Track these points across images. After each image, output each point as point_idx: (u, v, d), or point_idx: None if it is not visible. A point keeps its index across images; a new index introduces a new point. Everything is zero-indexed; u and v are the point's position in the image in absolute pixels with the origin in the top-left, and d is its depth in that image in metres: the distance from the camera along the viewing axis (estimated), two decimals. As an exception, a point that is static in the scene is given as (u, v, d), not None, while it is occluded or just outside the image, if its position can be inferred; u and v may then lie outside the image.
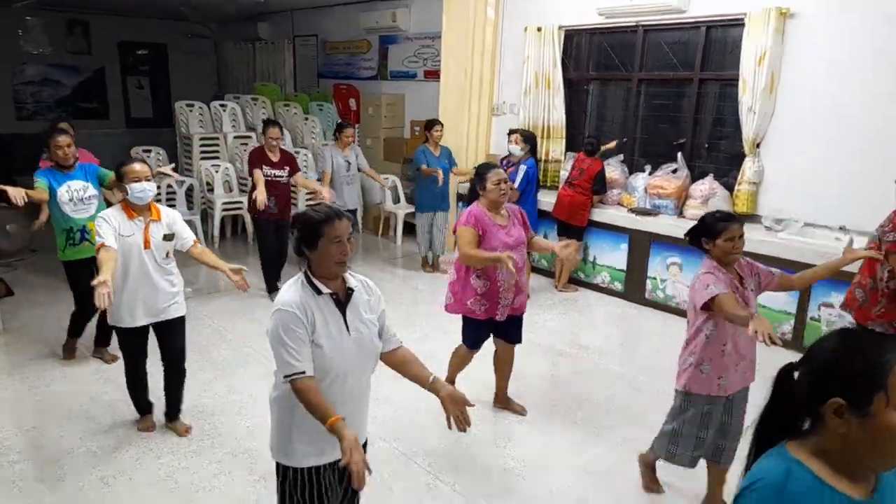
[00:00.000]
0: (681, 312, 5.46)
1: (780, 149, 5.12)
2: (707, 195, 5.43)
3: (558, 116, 6.54)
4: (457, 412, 2.01)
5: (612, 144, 6.07)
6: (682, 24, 5.70)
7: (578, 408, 3.88)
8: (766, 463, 1.14)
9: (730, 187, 5.43)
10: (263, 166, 5.28)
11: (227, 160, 7.76)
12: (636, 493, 3.07)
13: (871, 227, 4.49)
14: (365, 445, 2.13)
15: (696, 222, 2.78)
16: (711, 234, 2.63)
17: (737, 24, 5.21)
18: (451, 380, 3.72)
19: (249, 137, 7.95)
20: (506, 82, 7.08)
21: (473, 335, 3.58)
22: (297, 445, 2.00)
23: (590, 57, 6.57)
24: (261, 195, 5.09)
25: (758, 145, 5.21)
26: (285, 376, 1.86)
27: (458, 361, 3.73)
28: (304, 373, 1.85)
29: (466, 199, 3.66)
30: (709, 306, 2.54)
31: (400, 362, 2.14)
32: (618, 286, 5.94)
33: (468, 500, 2.98)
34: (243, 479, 3.07)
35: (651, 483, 3.09)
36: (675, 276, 5.51)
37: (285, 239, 5.47)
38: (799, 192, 5.00)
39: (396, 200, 7.84)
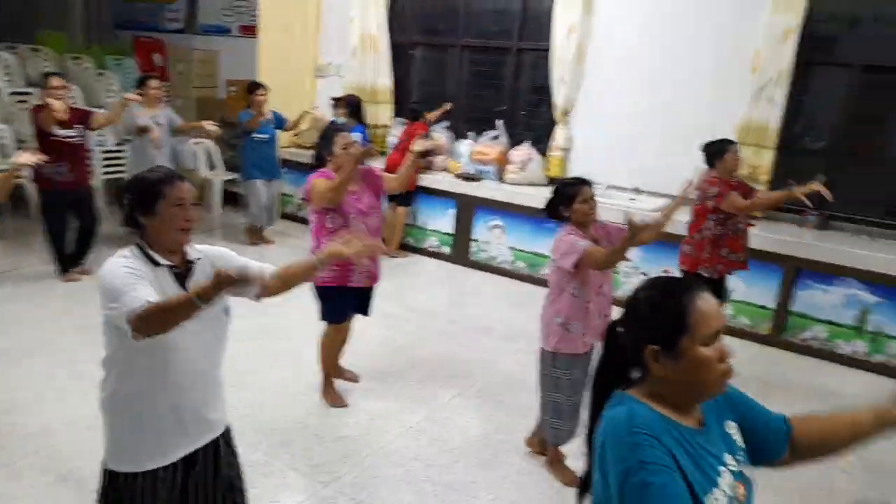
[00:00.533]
0: (503, 272, 5.78)
1: (587, 117, 5.56)
2: (524, 161, 5.74)
3: (385, 81, 6.47)
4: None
5: (444, 109, 6.08)
6: (501, -7, 5.90)
7: (411, 368, 3.95)
8: (611, 411, 1.21)
9: (545, 153, 5.79)
10: (52, 126, 4.55)
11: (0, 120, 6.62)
12: (469, 446, 3.20)
13: (662, 189, 5.13)
14: (227, 433, 1.95)
15: (549, 194, 2.86)
16: (567, 200, 2.74)
17: (551, -5, 5.49)
18: (331, 373, 3.51)
19: (30, 94, 6.85)
20: (330, 43, 6.84)
21: (332, 306, 3.30)
22: (135, 447, 1.76)
23: (416, 21, 6.56)
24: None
25: (567, 113, 5.60)
26: (131, 318, 1.52)
27: (330, 345, 3.43)
28: (148, 301, 1.54)
29: (311, 166, 3.42)
30: (578, 264, 2.63)
31: (283, 281, 1.91)
32: (446, 250, 6.11)
33: (302, 475, 2.90)
34: (38, 482, 2.70)
35: (564, 474, 2.97)
36: (499, 239, 5.79)
37: (91, 211, 4.82)
38: (602, 157, 5.47)
39: (212, 167, 7.29)
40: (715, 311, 1.18)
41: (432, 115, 6.00)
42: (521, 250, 5.68)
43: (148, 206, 1.70)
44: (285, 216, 6.91)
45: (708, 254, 3.85)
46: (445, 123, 6.29)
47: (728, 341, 1.21)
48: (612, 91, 5.40)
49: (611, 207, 5.01)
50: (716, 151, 3.82)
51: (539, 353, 2.94)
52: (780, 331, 4.57)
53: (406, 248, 6.25)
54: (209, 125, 5.51)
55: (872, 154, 4.79)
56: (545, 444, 3.04)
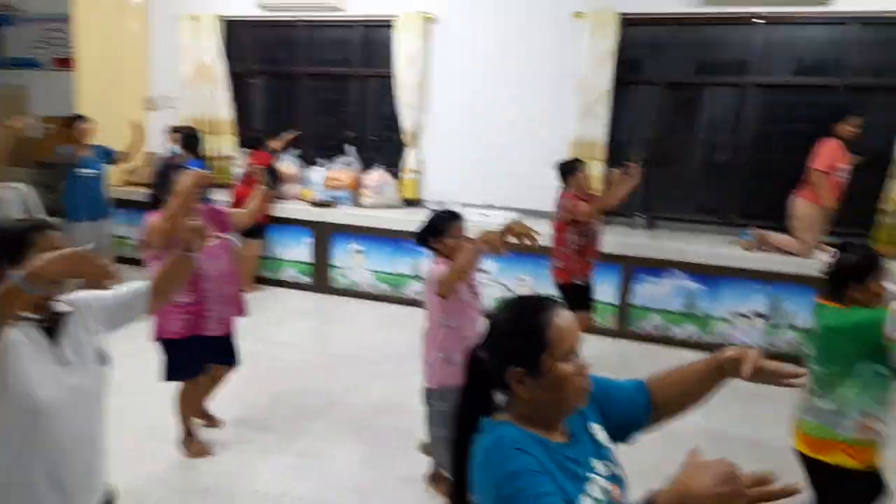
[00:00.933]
0: (367, 296, 5.76)
1: (435, 139, 5.76)
2: (378, 185, 5.80)
3: (224, 111, 6.24)
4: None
5: (289, 137, 5.96)
6: (341, 22, 5.96)
7: (278, 405, 3.79)
8: (480, 441, 1.21)
9: (398, 176, 5.89)
10: None
11: None
12: (345, 477, 3.13)
13: (513, 203, 5.42)
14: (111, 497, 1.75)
15: (424, 222, 2.83)
16: (438, 233, 2.75)
17: (389, 24, 5.64)
18: (191, 422, 3.21)
19: None
20: (161, 74, 6.47)
21: (179, 362, 3.01)
22: None
23: (255, 50, 6.42)
24: None
25: (416, 137, 5.76)
26: None
27: (189, 394, 3.16)
28: None
29: (148, 205, 3.08)
30: (442, 291, 2.59)
31: (161, 283, 1.83)
32: (306, 279, 5.96)
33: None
34: None
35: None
36: (359, 262, 5.77)
37: None
38: (454, 177, 5.68)
39: (28, 212, 6.51)
40: (571, 326, 1.21)
41: (277, 144, 5.86)
42: (383, 272, 5.70)
43: (14, 258, 1.51)
44: (121, 259, 6.35)
45: (577, 263, 4.11)
46: (295, 151, 6.18)
47: (585, 338, 1.28)
48: (456, 113, 5.64)
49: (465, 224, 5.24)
50: (569, 170, 4.12)
51: (424, 392, 2.89)
52: (624, 323, 5.00)
53: (262, 281, 6.02)
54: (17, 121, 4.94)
55: (682, 160, 5.43)
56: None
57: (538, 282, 5.18)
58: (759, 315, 4.66)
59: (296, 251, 5.95)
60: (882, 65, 4.69)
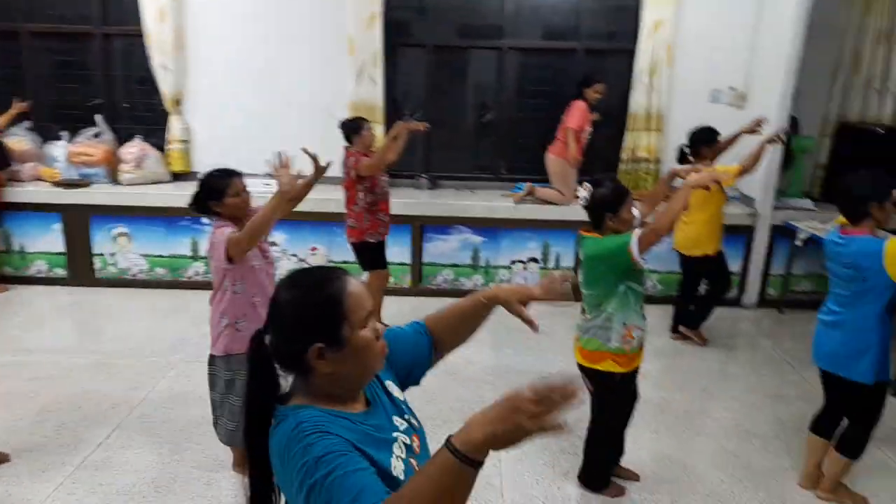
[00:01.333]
0: (140, 283, 5.18)
1: (204, 105, 5.28)
2: (139, 157, 5.16)
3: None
4: None
5: (17, 110, 4.98)
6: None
7: (46, 419, 3.27)
8: (276, 431, 1.14)
9: (161, 147, 5.31)
10: None
11: None
12: (141, 478, 2.83)
13: (297, 170, 5.21)
14: None
15: (195, 188, 2.63)
16: (217, 194, 2.57)
17: (132, -25, 4.97)
18: None
19: None
20: None
21: None
22: None
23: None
24: None
25: (179, 103, 5.22)
26: None
27: None
28: None
29: None
30: (232, 257, 2.48)
31: None
32: (61, 272, 5.16)
33: None
34: None
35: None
36: (126, 247, 5.14)
37: None
38: (229, 145, 5.27)
39: None
40: (363, 291, 1.20)
41: (2, 120, 4.91)
42: (157, 256, 5.16)
43: None
44: None
45: (368, 221, 4.14)
46: (26, 125, 5.22)
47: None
48: (223, 76, 5.22)
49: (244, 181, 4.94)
50: (353, 128, 4.11)
51: (209, 358, 2.74)
52: (418, 280, 5.19)
53: (4, 280, 5.07)
54: None
55: (456, 121, 5.70)
56: None
57: (331, 250, 5.13)
58: (534, 260, 5.17)
59: (44, 241, 5.10)
60: (614, 30, 5.37)
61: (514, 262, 5.18)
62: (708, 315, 4.44)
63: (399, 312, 4.84)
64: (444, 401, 3.55)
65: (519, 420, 0.90)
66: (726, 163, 4.24)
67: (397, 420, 1.25)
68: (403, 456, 1.19)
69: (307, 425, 1.09)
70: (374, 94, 5.15)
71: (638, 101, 5.15)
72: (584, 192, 2.56)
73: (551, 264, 5.17)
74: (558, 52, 5.41)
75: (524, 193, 5.08)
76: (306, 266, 1.31)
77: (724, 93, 5.20)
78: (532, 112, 5.50)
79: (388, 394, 1.31)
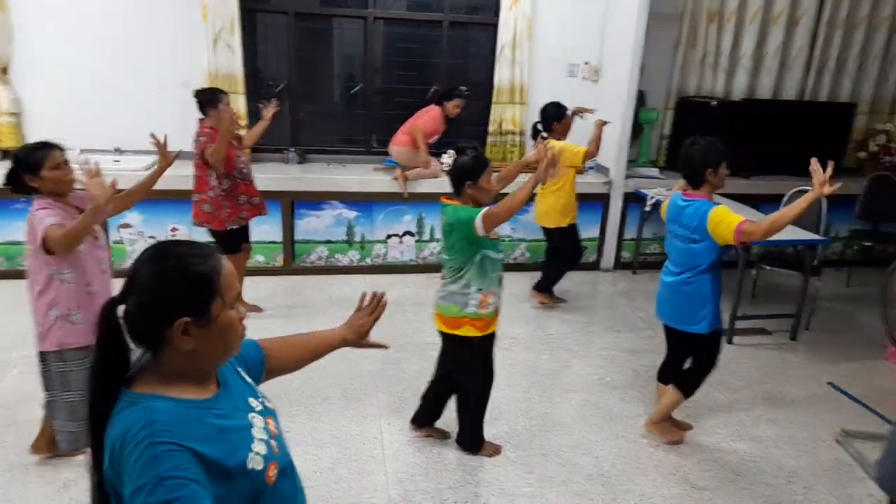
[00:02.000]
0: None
1: (36, 74, 4.73)
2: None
3: None
4: None
5: None
6: None
7: None
8: (121, 417, 1.08)
9: (-14, 122, 4.69)
10: None
11: None
12: None
13: (144, 145, 4.84)
14: None
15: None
16: (33, 168, 2.36)
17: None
18: None
19: None
20: None
21: None
22: None
23: None
24: None
25: (5, 71, 4.63)
26: None
27: None
28: None
29: None
30: (49, 247, 2.29)
31: None
32: None
33: None
34: None
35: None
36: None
37: None
38: (69, 119, 4.77)
39: None
40: (234, 273, 1.20)
41: None
42: (-12, 245, 4.60)
43: None
44: None
45: (228, 209, 3.89)
46: None
47: (249, 281, 1.28)
48: (61, 45, 4.70)
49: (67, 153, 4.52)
50: (209, 100, 3.79)
51: (39, 356, 2.52)
52: (291, 259, 5.06)
53: None
54: None
55: (323, 92, 5.55)
56: (54, 444, 2.69)
57: (193, 230, 4.84)
58: (409, 233, 5.21)
59: None
60: (477, 4, 5.45)
61: (389, 237, 5.19)
62: (557, 278, 4.69)
63: (273, 293, 4.71)
64: (324, 378, 3.53)
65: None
66: (581, 140, 4.48)
67: (253, 402, 1.27)
68: (265, 437, 1.21)
69: (161, 426, 1.05)
70: (233, 63, 4.87)
71: (502, 74, 5.30)
72: (447, 158, 2.62)
73: (426, 237, 5.24)
74: (425, 24, 5.40)
75: (397, 179, 5.01)
76: (178, 240, 1.25)
77: (579, 67, 5.50)
78: (401, 83, 5.48)
79: (243, 378, 1.32)
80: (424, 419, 3.06)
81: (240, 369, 1.34)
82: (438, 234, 5.23)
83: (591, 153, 4.23)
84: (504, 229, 4.96)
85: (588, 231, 5.41)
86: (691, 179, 2.84)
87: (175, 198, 4.43)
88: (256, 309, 4.32)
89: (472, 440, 2.98)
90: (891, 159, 5.66)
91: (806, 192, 4.87)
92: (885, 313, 2.87)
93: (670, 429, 3.17)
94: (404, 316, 4.42)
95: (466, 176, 2.59)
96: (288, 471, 1.28)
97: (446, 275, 2.73)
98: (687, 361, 3.09)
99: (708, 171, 2.76)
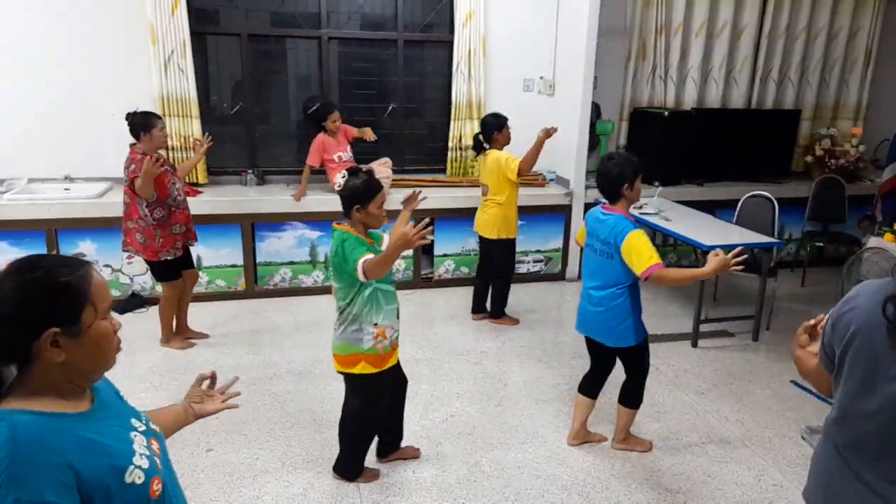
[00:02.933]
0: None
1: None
2: None
3: None
4: None
5: None
6: None
7: None
8: None
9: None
10: None
11: None
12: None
13: (95, 172, 4.72)
14: None
15: None
16: None
17: None
18: None
19: None
20: None
21: None
22: None
23: None
24: None
25: (-56, 100, 4.45)
26: None
27: None
28: None
29: None
30: None
31: None
32: None
33: None
34: None
35: None
36: None
37: None
38: (17, 145, 4.62)
39: None
40: (106, 284, 1.18)
41: None
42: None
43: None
44: None
45: (161, 238, 3.75)
46: None
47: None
48: (3, 75, 4.55)
49: (41, 202, 4.36)
50: (142, 124, 3.66)
51: None
52: (254, 282, 4.95)
53: None
54: None
55: (279, 112, 5.49)
56: None
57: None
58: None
59: None
60: (432, 22, 5.50)
61: (352, 255, 5.13)
62: (506, 298, 4.61)
63: (237, 317, 4.61)
64: (293, 402, 3.45)
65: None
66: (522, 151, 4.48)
67: (135, 422, 1.25)
68: (147, 454, 1.19)
69: (22, 441, 1.01)
70: (185, 87, 4.78)
71: (459, 90, 5.35)
72: (340, 178, 2.54)
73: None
74: (380, 43, 5.42)
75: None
76: (44, 253, 1.22)
77: (535, 82, 5.59)
78: (358, 102, 5.47)
79: (121, 397, 1.31)
80: (385, 450, 2.99)
81: (120, 391, 1.32)
82: (404, 252, 5.19)
83: (528, 161, 4.19)
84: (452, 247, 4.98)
85: (552, 242, 5.46)
86: (608, 194, 2.82)
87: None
88: (203, 336, 4.24)
89: (352, 467, 2.83)
90: (836, 162, 5.90)
91: (758, 197, 5.02)
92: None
93: (637, 440, 3.18)
94: (303, 340, 4.36)
95: (356, 199, 2.49)
96: (174, 494, 1.26)
97: (337, 306, 2.59)
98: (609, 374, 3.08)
99: (624, 186, 2.76)
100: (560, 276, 5.59)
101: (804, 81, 6.20)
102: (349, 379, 2.69)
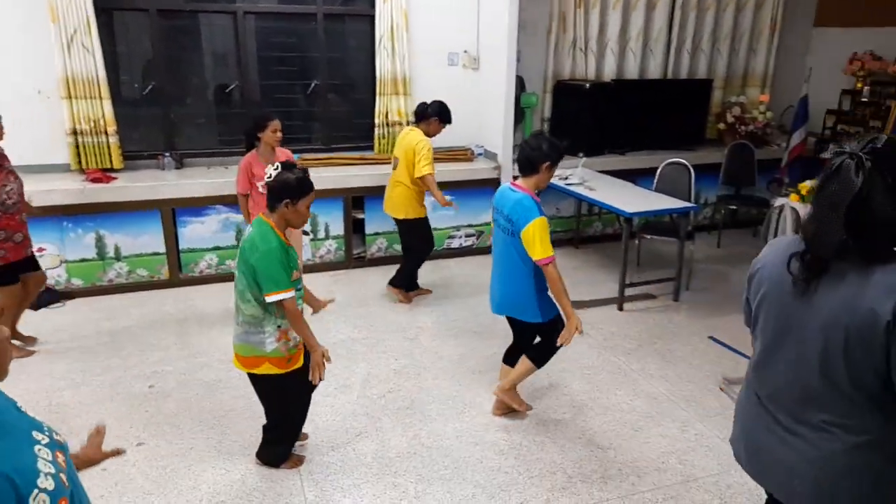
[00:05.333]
0: None
1: None
2: None
3: None
4: None
5: None
6: None
7: None
8: None
9: None
10: None
11: None
12: None
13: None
14: None
15: None
16: None
17: None
18: None
19: None
20: None
21: None
22: None
23: None
24: None
25: None
26: None
27: None
28: None
29: None
30: None
31: None
32: None
33: None
34: None
35: None
36: None
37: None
38: None
39: None
40: None
41: None
42: None
43: None
44: None
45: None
46: None
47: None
48: None
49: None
50: None
51: None
52: (178, 270, 4.78)
53: None
54: None
55: (196, 91, 5.26)
56: None
57: (65, 247, 4.46)
58: (304, 232, 5.07)
59: None
60: (351, -4, 5.39)
61: (281, 237, 5.03)
62: (412, 274, 4.64)
63: (161, 307, 4.45)
64: (227, 389, 3.38)
65: None
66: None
67: (37, 435, 1.17)
68: (53, 472, 1.12)
69: None
70: (92, 66, 4.50)
71: (383, 66, 5.28)
72: (272, 170, 2.43)
73: (322, 234, 5.14)
74: (299, 17, 5.26)
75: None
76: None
77: (459, 56, 5.58)
78: (280, 79, 5.31)
79: (21, 411, 1.22)
80: None
81: (19, 403, 1.23)
82: (334, 231, 5.14)
83: (426, 181, 4.21)
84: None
85: (482, 216, 5.52)
86: (526, 166, 2.85)
87: (43, 214, 4.04)
88: (31, 340, 3.86)
89: (277, 455, 2.81)
90: (746, 129, 6.21)
91: (676, 164, 5.22)
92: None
93: (519, 399, 3.22)
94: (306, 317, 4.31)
95: (288, 193, 2.40)
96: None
97: (239, 304, 2.50)
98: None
99: (545, 163, 2.80)
100: (487, 251, 5.67)
101: (715, 51, 6.47)
102: (253, 379, 2.61)
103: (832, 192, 1.39)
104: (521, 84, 5.68)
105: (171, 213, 4.65)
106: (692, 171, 4.96)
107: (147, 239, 4.60)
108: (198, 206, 4.69)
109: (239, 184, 3.94)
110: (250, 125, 3.92)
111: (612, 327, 4.24)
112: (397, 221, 4.51)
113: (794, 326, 1.51)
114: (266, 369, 2.53)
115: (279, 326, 2.49)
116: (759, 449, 1.64)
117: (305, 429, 2.94)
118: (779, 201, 4.53)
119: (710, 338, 4.10)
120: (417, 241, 4.53)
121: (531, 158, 2.81)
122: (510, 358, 3.21)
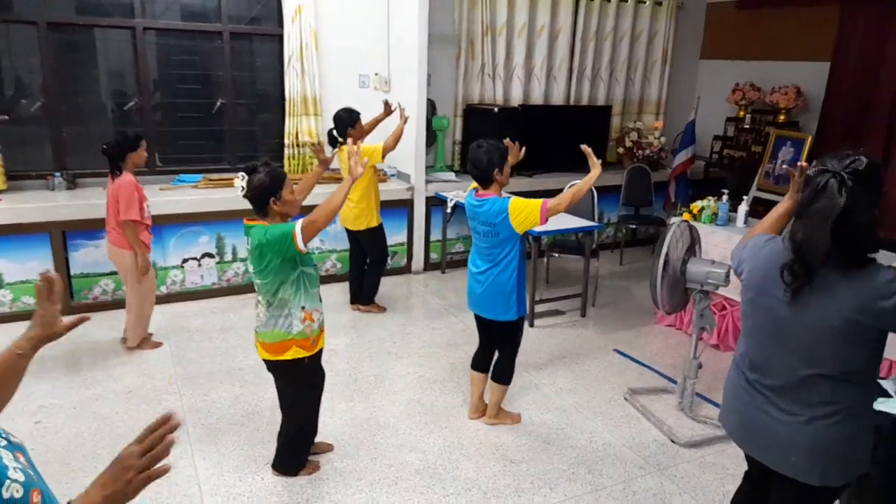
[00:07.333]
0: None
1: None
2: None
3: None
4: None
5: None
6: None
7: None
8: None
9: None
10: None
11: None
12: None
13: None
14: None
15: None
16: None
17: None
18: None
19: None
20: None
21: None
22: None
23: None
24: None
25: None
26: None
27: None
28: None
29: None
30: None
31: None
32: None
33: None
34: None
35: None
36: None
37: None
38: None
39: None
40: None
41: None
42: None
43: None
44: None
45: None
46: None
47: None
48: None
49: None
50: None
51: None
52: (69, 297, 4.46)
53: None
54: None
55: (91, 109, 4.98)
56: None
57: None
58: (209, 255, 4.89)
59: None
60: (259, 14, 5.30)
61: (185, 261, 4.82)
62: (378, 285, 4.78)
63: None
64: (124, 423, 3.17)
65: (128, 477, 1.07)
66: (374, 141, 4.56)
67: None
68: (19, 466, 1.09)
69: None
70: (-29, 79, 4.18)
71: (293, 85, 5.22)
72: (239, 181, 2.46)
73: (228, 257, 4.96)
74: (203, 35, 5.12)
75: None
76: None
77: (370, 78, 5.62)
78: (183, 97, 5.13)
79: None
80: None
81: None
82: (242, 254, 4.98)
83: (389, 146, 4.35)
84: (314, 242, 4.90)
85: (396, 237, 5.53)
86: (481, 180, 3.03)
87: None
88: None
89: (292, 463, 2.87)
90: (643, 153, 6.60)
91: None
92: (654, 282, 3.33)
93: (507, 413, 3.40)
94: (212, 343, 4.15)
95: (269, 192, 2.46)
96: None
97: (263, 299, 2.59)
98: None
99: (495, 170, 2.97)
100: (406, 269, 5.69)
101: (613, 79, 6.86)
102: (279, 369, 2.65)
103: (819, 207, 1.61)
104: (432, 107, 5.78)
105: (62, 235, 4.35)
106: (595, 192, 5.20)
107: (35, 264, 4.27)
108: (92, 228, 4.41)
109: (130, 209, 3.63)
110: (117, 142, 3.60)
111: (523, 344, 4.31)
112: (358, 234, 4.59)
113: (785, 328, 1.73)
114: (293, 353, 2.59)
115: (304, 307, 2.57)
116: (755, 429, 1.86)
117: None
118: (672, 219, 4.83)
119: (616, 350, 4.28)
120: (379, 248, 4.69)
121: (483, 173, 2.98)
122: (479, 364, 3.32)
